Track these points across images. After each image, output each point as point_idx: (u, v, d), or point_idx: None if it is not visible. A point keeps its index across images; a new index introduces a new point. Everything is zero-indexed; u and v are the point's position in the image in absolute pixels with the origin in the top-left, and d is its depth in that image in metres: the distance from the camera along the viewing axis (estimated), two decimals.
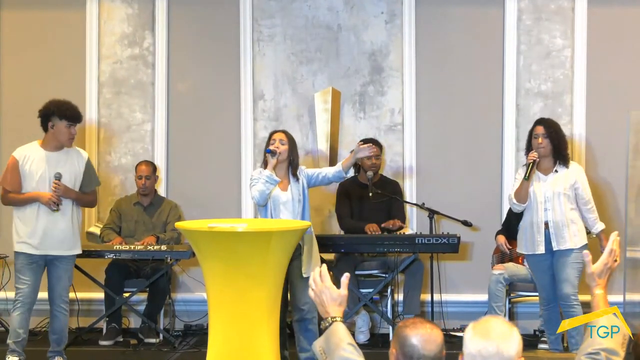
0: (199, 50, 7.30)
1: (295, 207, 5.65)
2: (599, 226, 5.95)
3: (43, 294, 5.86)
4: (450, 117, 7.15)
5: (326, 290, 2.97)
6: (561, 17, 7.05)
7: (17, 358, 5.75)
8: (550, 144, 5.87)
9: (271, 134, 5.81)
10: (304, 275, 5.54)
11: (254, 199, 5.64)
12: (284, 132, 5.81)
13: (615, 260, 2.99)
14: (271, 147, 5.66)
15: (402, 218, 6.87)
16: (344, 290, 3.00)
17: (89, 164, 5.89)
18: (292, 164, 5.74)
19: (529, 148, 5.95)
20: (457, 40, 7.14)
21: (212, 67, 7.28)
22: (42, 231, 5.68)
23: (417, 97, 7.13)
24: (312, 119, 7.16)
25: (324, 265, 3.07)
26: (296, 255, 5.51)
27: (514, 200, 5.90)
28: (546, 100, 7.08)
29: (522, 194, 5.85)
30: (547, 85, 7.08)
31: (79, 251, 5.87)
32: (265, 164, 5.68)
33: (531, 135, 5.96)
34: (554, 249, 5.82)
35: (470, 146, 7.13)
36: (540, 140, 5.86)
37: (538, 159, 5.83)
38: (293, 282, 5.60)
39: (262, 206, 5.65)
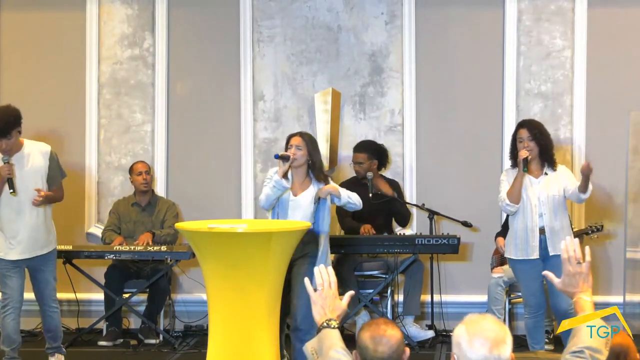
0: (199, 51, 7.30)
1: (306, 213, 5.53)
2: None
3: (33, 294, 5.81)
4: (450, 118, 7.15)
5: (331, 298, 2.97)
6: (561, 17, 7.05)
7: None
8: (537, 146, 5.69)
9: (288, 138, 5.68)
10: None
11: (260, 202, 5.61)
12: (301, 135, 5.66)
13: (579, 263, 2.96)
14: (282, 153, 5.52)
15: (406, 213, 6.85)
16: (345, 304, 2.99)
17: (52, 158, 5.76)
18: (313, 168, 5.60)
19: (513, 152, 5.77)
20: (457, 41, 7.14)
21: (212, 67, 7.28)
22: (16, 235, 5.59)
23: (417, 98, 7.13)
24: (312, 119, 7.16)
25: (331, 270, 3.05)
26: (300, 257, 5.50)
27: (507, 201, 5.68)
28: (546, 101, 7.08)
29: (515, 193, 5.65)
30: (547, 86, 7.08)
31: (55, 246, 5.79)
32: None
33: (515, 139, 5.76)
34: (550, 254, 5.61)
35: (470, 147, 7.13)
36: (525, 143, 5.67)
37: (530, 157, 5.64)
38: (293, 287, 5.50)
39: (267, 210, 5.62)
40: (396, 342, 2.81)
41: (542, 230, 5.67)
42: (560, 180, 5.72)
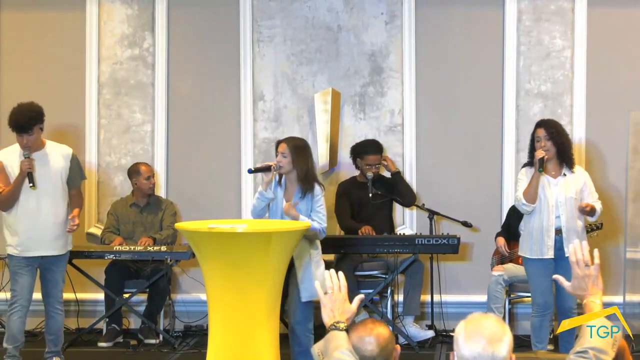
0: (198, 51, 7.30)
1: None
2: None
3: (38, 295, 5.81)
4: (450, 118, 7.15)
5: (341, 301, 2.98)
6: (561, 17, 7.05)
7: None
8: (554, 146, 5.69)
9: (276, 145, 5.58)
10: (302, 300, 5.37)
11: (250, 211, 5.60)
12: (287, 142, 5.50)
13: (587, 266, 2.97)
14: (256, 166, 5.47)
15: (409, 192, 6.83)
16: (354, 308, 3.01)
17: (74, 159, 5.80)
18: (298, 177, 5.44)
19: (531, 152, 5.78)
20: (457, 41, 7.14)
21: (212, 68, 7.28)
22: (32, 233, 5.61)
23: (417, 98, 7.13)
24: (312, 119, 7.16)
25: (342, 274, 3.06)
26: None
27: (523, 201, 5.66)
28: (546, 101, 7.07)
29: (532, 192, 5.63)
30: (547, 86, 7.08)
31: (69, 249, 5.81)
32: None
33: (533, 139, 5.77)
34: (566, 255, 5.43)
35: (470, 147, 7.13)
36: (542, 143, 5.67)
37: (546, 157, 5.65)
38: (289, 292, 5.47)
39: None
40: (384, 340, 2.83)
41: (558, 231, 5.68)
42: (579, 183, 5.74)
